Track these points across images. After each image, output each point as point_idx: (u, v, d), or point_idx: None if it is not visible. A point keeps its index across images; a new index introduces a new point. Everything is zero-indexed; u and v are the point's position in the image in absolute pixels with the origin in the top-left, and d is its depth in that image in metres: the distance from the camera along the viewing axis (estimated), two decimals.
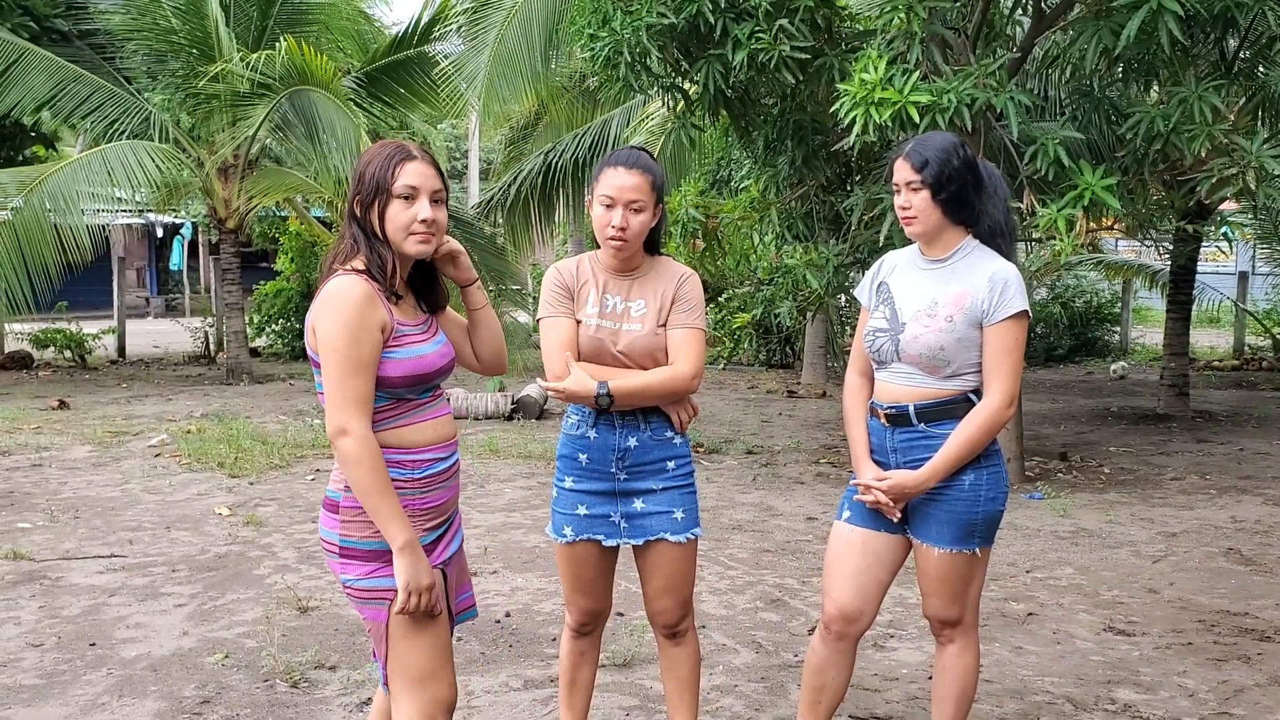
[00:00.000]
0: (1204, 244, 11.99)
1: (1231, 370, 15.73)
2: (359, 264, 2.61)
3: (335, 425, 2.51)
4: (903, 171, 3.07)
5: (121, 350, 16.84)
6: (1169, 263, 12.02)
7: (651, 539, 3.15)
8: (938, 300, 3.07)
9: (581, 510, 3.17)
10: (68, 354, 15.48)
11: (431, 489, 2.65)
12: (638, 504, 3.14)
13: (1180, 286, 11.72)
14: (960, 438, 3.03)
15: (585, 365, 3.10)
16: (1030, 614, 5.07)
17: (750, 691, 4.16)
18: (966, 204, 3.08)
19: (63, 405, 11.41)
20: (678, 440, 3.19)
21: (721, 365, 15.78)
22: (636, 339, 3.10)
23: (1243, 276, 17.58)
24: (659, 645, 3.34)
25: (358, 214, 2.63)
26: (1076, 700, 4.08)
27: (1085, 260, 16.33)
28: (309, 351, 2.64)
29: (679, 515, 3.15)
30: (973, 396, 3.09)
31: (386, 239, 2.63)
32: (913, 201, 3.06)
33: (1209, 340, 18.89)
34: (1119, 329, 17.90)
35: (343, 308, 2.52)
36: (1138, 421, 11.01)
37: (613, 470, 3.14)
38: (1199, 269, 12.62)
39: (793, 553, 6.11)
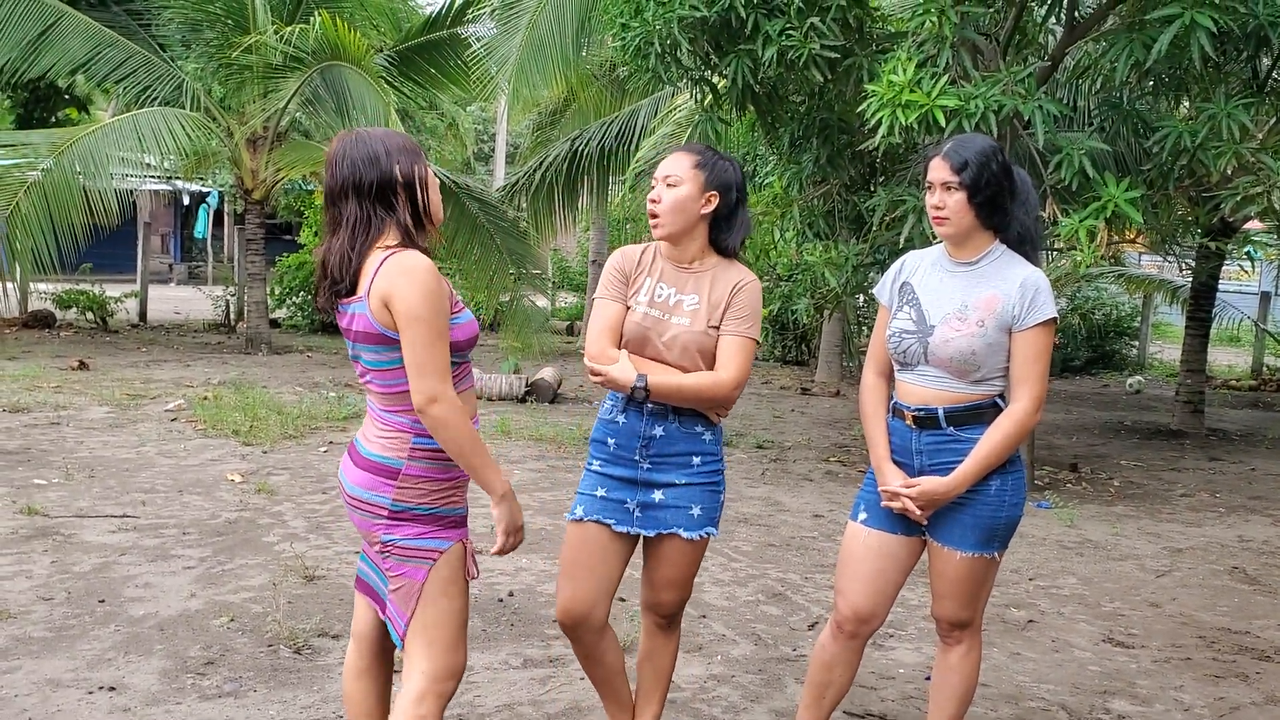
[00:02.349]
0: (1227, 262, 11.93)
1: (1249, 390, 15.67)
2: (392, 240, 2.68)
3: (428, 393, 2.58)
4: (940, 171, 3.08)
5: (143, 315, 16.96)
6: (1190, 279, 11.98)
7: (664, 532, 3.14)
8: (968, 304, 3.08)
9: (600, 492, 3.17)
10: (90, 316, 15.61)
11: None
12: (657, 495, 3.13)
13: (1200, 303, 11.68)
14: (989, 443, 3.04)
15: (633, 357, 3.10)
16: (1030, 621, 5.10)
17: (747, 683, 4.20)
18: (1000, 209, 3.09)
19: (83, 366, 11.52)
20: (707, 437, 3.16)
21: None
22: (682, 333, 3.09)
23: (1264, 297, 17.50)
24: (645, 631, 3.35)
25: (400, 182, 2.68)
26: (1071, 709, 4.11)
27: (1107, 273, 16.30)
28: (372, 327, 2.65)
29: (696, 512, 3.14)
30: (1000, 401, 3.11)
31: (427, 205, 2.74)
32: (947, 202, 3.07)
33: (1229, 359, 18.82)
34: (1137, 343, 17.84)
35: (424, 279, 2.59)
36: (1150, 437, 10.99)
37: (636, 458, 3.14)
38: (1222, 287, 12.58)
39: (798, 548, 6.14)
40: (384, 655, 2.96)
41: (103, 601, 4.70)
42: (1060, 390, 14.57)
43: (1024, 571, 5.90)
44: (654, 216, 3.10)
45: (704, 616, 4.90)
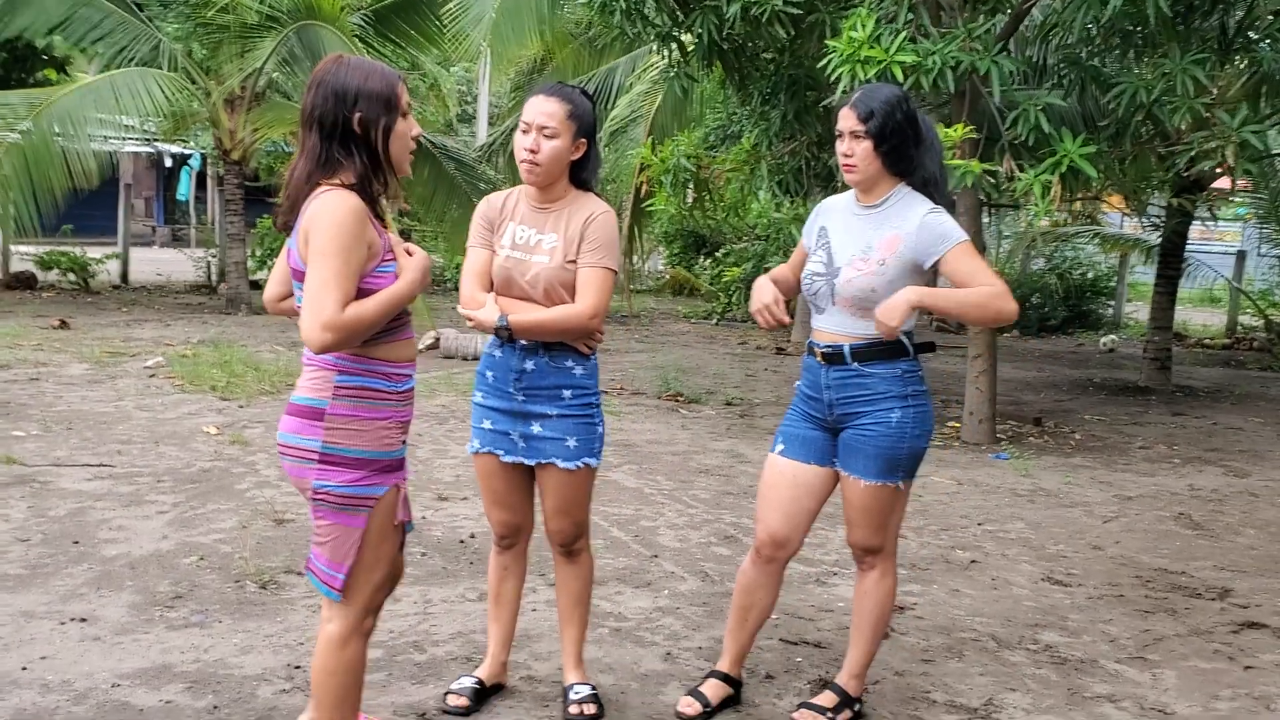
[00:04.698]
0: (1195, 220, 12.07)
1: (1222, 349, 15.86)
2: (345, 179, 2.67)
3: (319, 322, 2.54)
4: (847, 120, 3.24)
5: (124, 276, 17.02)
6: (1159, 237, 12.14)
7: (543, 461, 3.33)
8: (871, 244, 3.26)
9: (487, 424, 3.39)
10: (71, 277, 15.66)
11: (407, 402, 2.82)
12: (535, 427, 3.32)
13: (1169, 261, 11.84)
14: (962, 294, 3.19)
15: (502, 298, 3.28)
16: (973, 561, 5.28)
17: (690, 614, 4.38)
18: (905, 156, 3.26)
19: (63, 325, 11.62)
20: (578, 371, 3.33)
21: (714, 321, 15.93)
22: (543, 271, 3.25)
23: (1240, 256, 17.67)
24: (555, 561, 3.54)
25: (357, 130, 2.65)
26: (1001, 639, 4.29)
27: (1083, 232, 16.47)
28: (294, 263, 2.70)
29: (571, 443, 3.31)
30: (904, 339, 3.28)
31: (387, 156, 2.70)
32: (855, 150, 3.24)
33: (1206, 319, 19.01)
34: (1113, 303, 18.02)
35: (343, 217, 2.59)
36: (1117, 393, 11.18)
37: (511, 390, 3.33)
38: (1203, 248, 12.73)
39: (754, 496, 6.25)
40: None
41: (76, 543, 4.85)
42: (1034, 349, 14.76)
43: (973, 517, 6.08)
44: (532, 165, 3.23)
45: (655, 556, 5.08)
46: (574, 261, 3.26)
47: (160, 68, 13.24)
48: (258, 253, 16.60)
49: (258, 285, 16.33)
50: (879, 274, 3.22)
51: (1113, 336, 15.99)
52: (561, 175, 3.30)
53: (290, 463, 2.76)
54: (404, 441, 2.83)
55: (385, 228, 2.80)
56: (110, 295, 15.26)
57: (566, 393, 3.32)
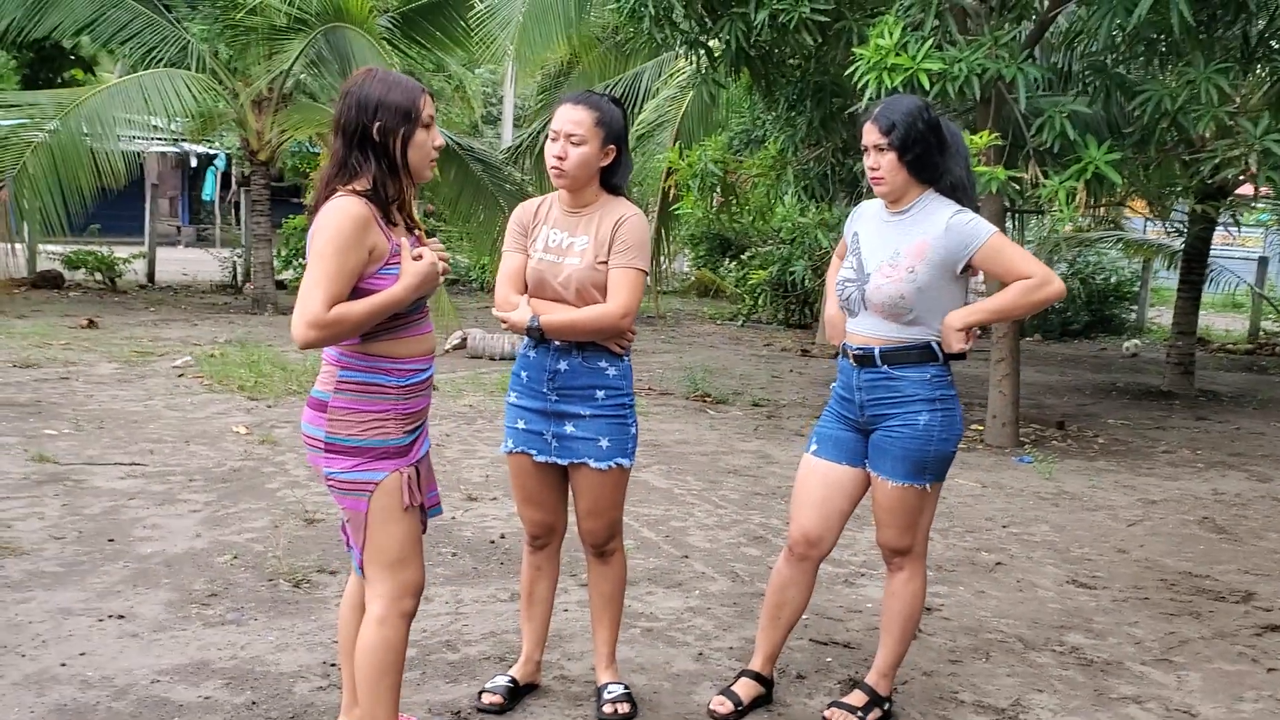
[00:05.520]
0: (1219, 226, 12.06)
1: (1244, 354, 15.81)
2: (360, 186, 2.81)
3: (303, 319, 2.69)
4: (870, 134, 3.31)
5: (151, 276, 17.17)
6: (1182, 243, 12.12)
7: (576, 462, 3.38)
8: (899, 251, 3.31)
9: (520, 424, 3.44)
10: (98, 276, 15.81)
11: (413, 396, 2.92)
12: (568, 427, 3.37)
13: (1192, 266, 11.82)
14: (1005, 296, 3.29)
15: (535, 300, 3.36)
16: (999, 563, 5.32)
17: (721, 614, 4.43)
18: (930, 164, 3.31)
19: (91, 325, 11.75)
20: (611, 372, 3.38)
21: (740, 322, 15.98)
22: (574, 272, 3.32)
23: (1262, 262, 17.61)
24: (587, 561, 3.60)
25: (376, 139, 2.81)
26: (1027, 640, 4.33)
27: (1106, 237, 16.44)
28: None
29: (604, 444, 3.37)
30: (934, 344, 3.32)
31: (405, 165, 2.85)
32: (880, 163, 3.30)
33: (1229, 324, 18.94)
34: (1136, 307, 17.98)
35: (341, 223, 2.74)
36: (1140, 397, 11.17)
37: (544, 390, 3.38)
38: (1225, 253, 12.71)
39: (782, 497, 6.35)
40: None
41: (112, 540, 4.94)
42: (1057, 353, 14.74)
43: (998, 519, 6.11)
44: (559, 172, 3.31)
45: (686, 557, 5.13)
46: (605, 263, 3.32)
47: (188, 69, 13.36)
48: (283, 253, 16.74)
49: (283, 285, 16.49)
50: (908, 280, 3.27)
51: (1135, 341, 15.95)
52: (591, 180, 3.36)
53: (309, 452, 2.95)
54: (410, 430, 2.92)
55: (410, 231, 2.96)
56: (137, 295, 15.40)
57: (600, 393, 3.37)
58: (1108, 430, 9.19)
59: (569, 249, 3.35)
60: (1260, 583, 5.22)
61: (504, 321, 3.39)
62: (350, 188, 2.82)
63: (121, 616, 4.09)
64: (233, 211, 25.74)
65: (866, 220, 3.48)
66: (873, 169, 3.32)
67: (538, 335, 3.32)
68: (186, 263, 19.24)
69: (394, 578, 2.92)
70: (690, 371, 10.50)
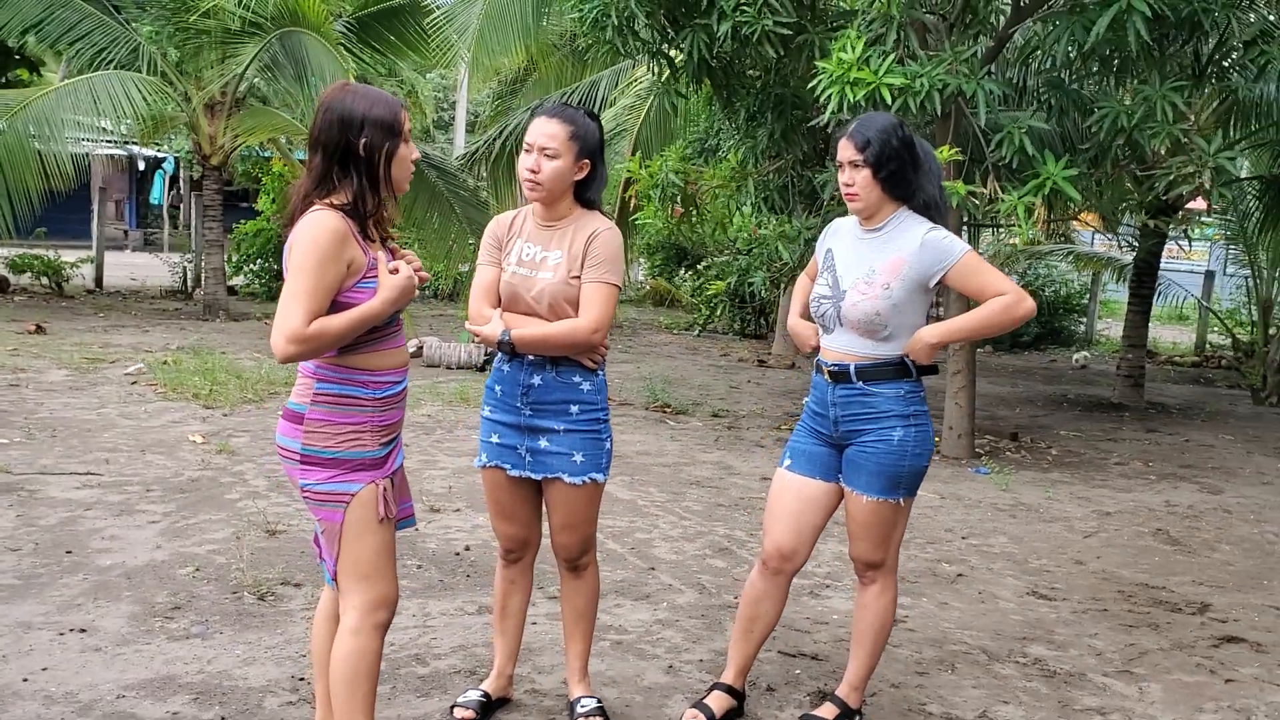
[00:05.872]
0: (1170, 239, 12.28)
1: (1191, 366, 16.08)
2: (338, 200, 2.81)
3: (283, 334, 2.68)
4: (846, 151, 3.33)
5: (99, 280, 16.89)
6: (1133, 256, 12.32)
7: (550, 476, 3.38)
8: (875, 268, 3.34)
9: (494, 438, 3.43)
10: (45, 280, 15.54)
11: (388, 408, 2.92)
12: (542, 441, 3.37)
13: (1143, 280, 12.02)
14: (980, 314, 3.32)
15: (507, 314, 3.35)
16: (960, 575, 5.37)
17: (690, 626, 4.44)
18: (905, 181, 3.35)
19: (40, 330, 11.54)
20: (585, 386, 3.37)
21: (696, 332, 16.02)
22: (546, 287, 3.31)
23: (1209, 276, 17.92)
24: (560, 575, 3.58)
25: (361, 154, 2.80)
26: (991, 652, 4.38)
27: (1056, 250, 16.67)
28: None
29: (578, 459, 3.36)
30: (908, 360, 3.36)
31: (388, 179, 2.85)
32: (855, 179, 3.33)
33: (1175, 336, 19.27)
34: (1085, 320, 18.25)
35: (319, 236, 2.73)
36: (1091, 409, 11.33)
37: (518, 405, 3.37)
38: (1171, 266, 12.95)
39: (745, 508, 6.38)
40: None
41: (70, 552, 4.86)
42: (1008, 364, 14.91)
43: (957, 530, 6.18)
44: (534, 185, 3.30)
45: (652, 569, 5.14)
46: (578, 277, 3.31)
47: (139, 71, 13.17)
48: (234, 258, 16.56)
49: (234, 292, 16.33)
50: (884, 298, 3.30)
51: (1085, 353, 16.18)
52: (565, 194, 3.36)
53: (285, 464, 2.94)
54: (385, 443, 2.92)
55: (384, 243, 2.95)
56: (85, 300, 15.16)
57: (574, 408, 3.37)
58: (1060, 442, 9.31)
59: (542, 263, 3.35)
60: (1215, 594, 5.32)
61: (475, 334, 3.38)
62: (327, 201, 2.81)
63: (83, 630, 4.03)
64: (169, 215, 25.45)
65: (840, 237, 3.51)
66: (847, 185, 3.35)
67: (509, 349, 3.31)
68: (135, 267, 18.99)
69: (369, 589, 2.91)
70: (649, 382, 10.52)
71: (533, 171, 3.30)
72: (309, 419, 2.85)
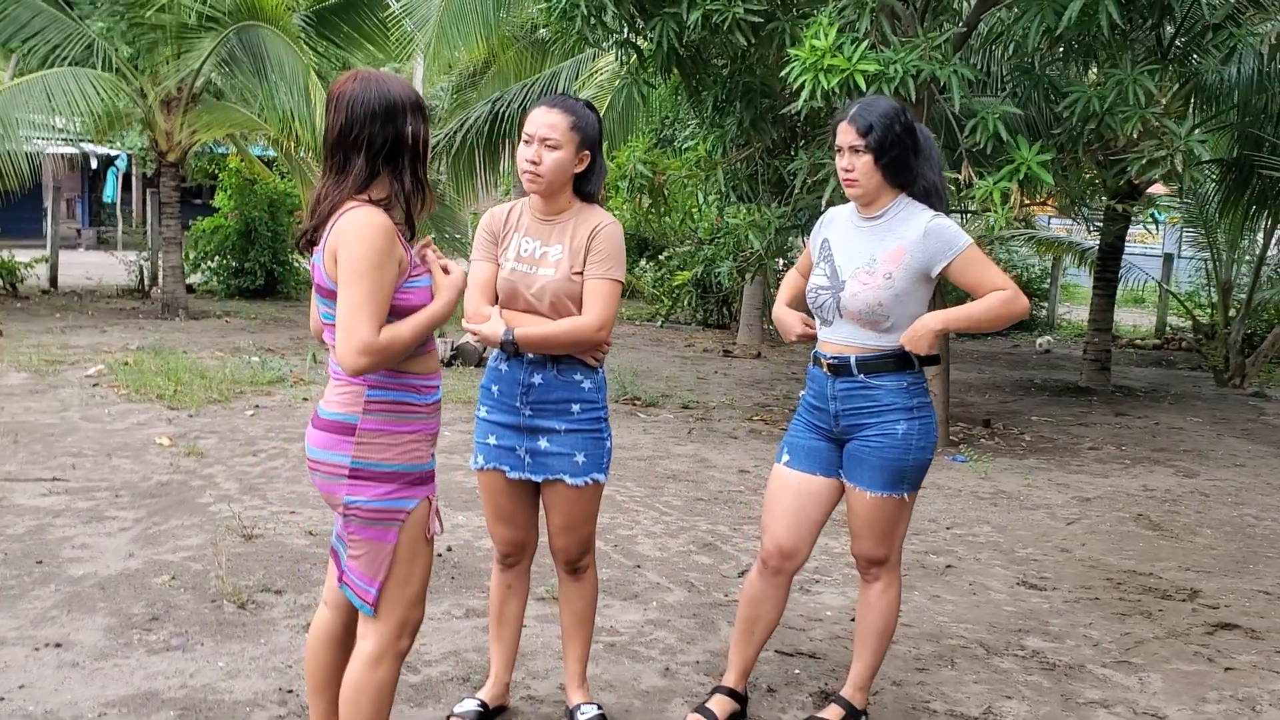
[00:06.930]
0: (1133, 224, 12.35)
1: (1152, 349, 16.21)
2: (376, 195, 2.64)
3: (354, 347, 2.52)
4: (847, 135, 3.24)
5: (54, 280, 16.57)
6: (1098, 241, 12.37)
7: (551, 478, 3.28)
8: (875, 258, 3.26)
9: (492, 440, 3.33)
10: None
11: (435, 414, 2.78)
12: (542, 442, 3.27)
13: (1107, 264, 12.08)
14: (982, 305, 3.23)
15: (507, 311, 3.23)
16: (949, 566, 5.33)
17: (682, 626, 4.36)
18: (905, 168, 3.27)
19: None
20: (586, 385, 3.28)
21: (659, 323, 15.94)
22: (548, 283, 3.21)
23: (1168, 259, 18.06)
24: (559, 579, 3.49)
25: (409, 142, 2.64)
26: (989, 645, 4.34)
27: (1018, 235, 16.74)
28: (321, 280, 2.65)
29: (580, 459, 3.27)
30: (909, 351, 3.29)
31: (422, 178, 2.69)
32: (855, 165, 3.24)
33: (1134, 319, 19.42)
34: (1047, 304, 18.35)
35: (374, 237, 2.55)
36: (1060, 394, 11.37)
37: (518, 405, 3.27)
38: (1129, 249, 13.02)
39: (725, 502, 6.31)
40: (354, 625, 2.88)
41: (40, 562, 4.71)
42: (972, 350, 14.96)
43: (941, 521, 6.14)
44: (535, 178, 3.19)
45: (639, 567, 5.06)
46: (580, 273, 3.22)
47: (94, 67, 12.90)
48: (191, 255, 16.28)
49: (193, 290, 16.06)
50: (886, 287, 3.22)
51: (1048, 338, 16.27)
52: (565, 187, 3.26)
53: (321, 479, 2.73)
54: (433, 454, 2.79)
55: (410, 239, 2.79)
56: (40, 300, 14.86)
57: (575, 407, 3.27)
58: (1033, 427, 9.33)
59: (542, 258, 3.25)
60: (1202, 580, 5.31)
61: (474, 334, 3.25)
62: (361, 198, 2.63)
63: (59, 645, 3.89)
64: (120, 212, 25.06)
65: (837, 227, 3.42)
66: (847, 170, 3.26)
67: (512, 349, 3.20)
68: (90, 266, 18.64)
69: (403, 614, 2.75)
70: (618, 374, 10.43)
71: (533, 163, 3.19)
72: (363, 429, 2.65)
